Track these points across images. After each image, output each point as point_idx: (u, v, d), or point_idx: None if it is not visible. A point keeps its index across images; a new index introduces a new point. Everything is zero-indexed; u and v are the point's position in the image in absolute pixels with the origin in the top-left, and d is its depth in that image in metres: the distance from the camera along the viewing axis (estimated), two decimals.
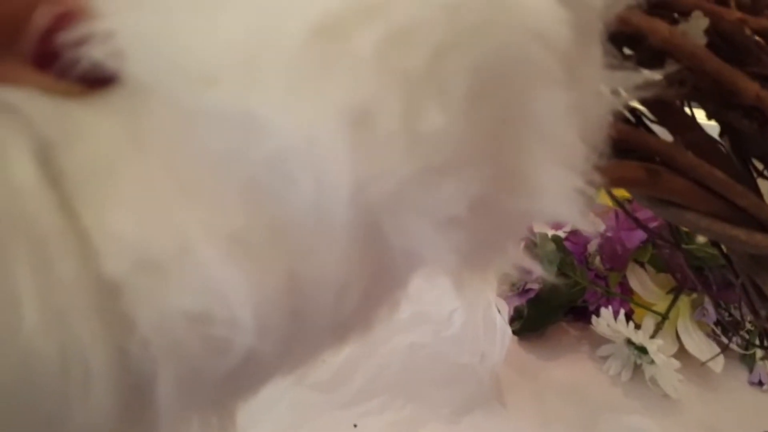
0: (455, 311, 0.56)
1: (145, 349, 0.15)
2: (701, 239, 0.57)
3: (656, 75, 0.19)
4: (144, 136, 0.15)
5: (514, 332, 0.62)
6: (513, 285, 0.65)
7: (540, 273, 0.19)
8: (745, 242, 0.22)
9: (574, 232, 0.62)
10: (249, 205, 0.15)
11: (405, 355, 0.56)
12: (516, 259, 0.19)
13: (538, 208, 0.17)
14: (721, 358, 0.55)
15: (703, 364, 0.54)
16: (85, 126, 0.15)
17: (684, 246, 0.57)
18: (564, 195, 0.17)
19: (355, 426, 0.53)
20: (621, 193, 0.65)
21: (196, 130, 0.15)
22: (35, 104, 0.15)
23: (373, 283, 0.17)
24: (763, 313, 0.26)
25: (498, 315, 0.55)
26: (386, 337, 0.57)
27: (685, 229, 0.56)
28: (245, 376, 0.17)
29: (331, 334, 0.18)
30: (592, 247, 0.60)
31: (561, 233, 0.62)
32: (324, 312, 0.17)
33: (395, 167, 0.14)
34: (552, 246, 0.58)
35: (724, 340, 0.57)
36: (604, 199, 0.64)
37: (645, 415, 0.53)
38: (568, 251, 0.60)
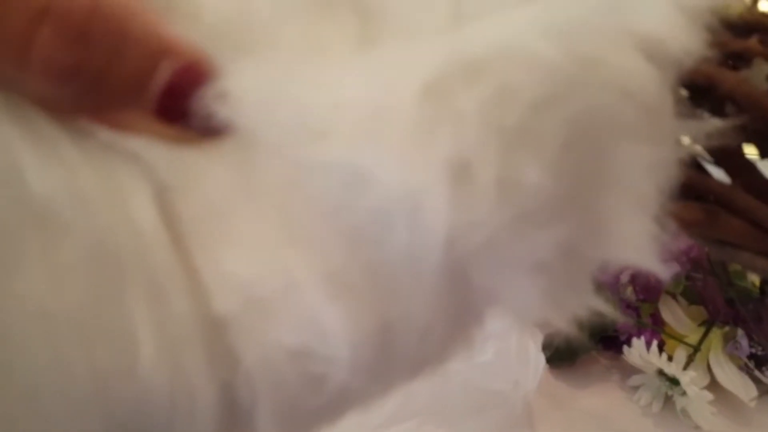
0: (488, 338, 0.57)
1: (247, 382, 0.16)
2: (735, 270, 0.57)
3: (723, 122, 0.20)
4: (255, 184, 0.16)
5: (546, 360, 0.62)
6: None
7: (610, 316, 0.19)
8: None
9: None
10: (349, 251, 0.16)
11: (437, 381, 0.56)
12: (590, 302, 0.20)
13: (616, 255, 0.18)
14: (753, 391, 0.56)
15: (748, 399, 0.54)
16: (200, 173, 0.16)
17: (718, 279, 0.57)
18: (641, 243, 0.17)
19: None
20: None
21: (305, 180, 0.16)
22: (155, 152, 0.16)
23: (453, 323, 0.18)
24: None
25: (531, 343, 0.55)
26: None
27: (718, 261, 0.57)
28: (335, 408, 0.18)
29: (410, 370, 0.19)
30: (624, 277, 0.61)
31: None
32: (408, 350, 0.17)
33: (489, 217, 0.15)
34: None
35: (757, 374, 0.57)
36: None
37: None
38: (600, 283, 0.60)
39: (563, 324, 0.18)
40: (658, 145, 0.17)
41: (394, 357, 0.17)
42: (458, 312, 0.18)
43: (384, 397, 0.20)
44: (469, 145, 0.15)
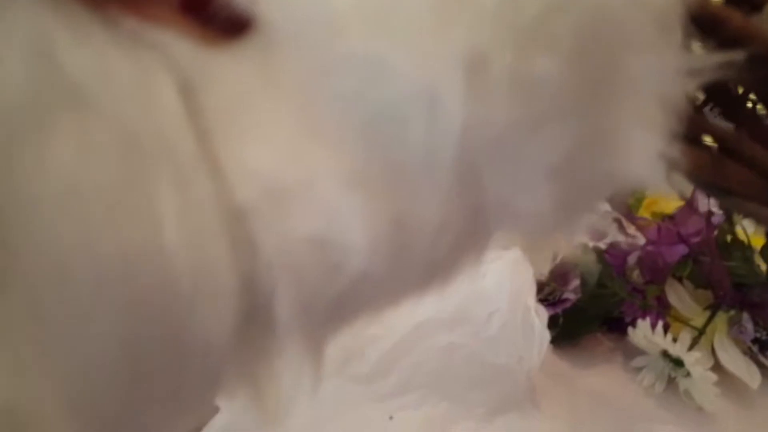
0: (494, 313, 0.57)
1: (267, 271, 0.17)
2: (741, 255, 0.58)
3: (727, 56, 0.21)
4: (277, 80, 0.17)
5: (549, 340, 0.63)
6: (550, 295, 0.65)
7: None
8: None
9: (613, 245, 0.63)
10: (368, 145, 0.17)
11: (443, 354, 0.57)
12: (594, 222, 0.20)
13: (624, 169, 0.18)
14: (757, 375, 0.56)
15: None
16: (222, 69, 0.17)
17: (725, 262, 0.57)
18: (648, 158, 0.18)
19: (390, 418, 0.54)
20: (662, 209, 0.66)
21: (325, 75, 0.17)
22: (180, 46, 0.17)
23: (465, 227, 0.19)
24: None
25: (537, 319, 0.56)
26: (425, 335, 0.58)
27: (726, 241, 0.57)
28: (351, 301, 0.18)
29: (422, 272, 0.19)
30: (632, 260, 0.61)
31: (602, 245, 0.62)
32: (421, 249, 0.18)
33: (502, 111, 0.16)
34: (592, 256, 0.59)
35: (761, 358, 0.58)
36: (646, 213, 0.65)
37: (678, 426, 0.53)
38: (607, 263, 0.60)
39: (568, 239, 0.19)
40: (668, 56, 0.17)
41: (408, 253, 0.18)
42: (470, 216, 0.18)
43: (396, 304, 0.20)
44: (485, 39, 0.15)
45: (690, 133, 0.25)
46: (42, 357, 0.15)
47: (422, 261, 0.18)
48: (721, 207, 0.26)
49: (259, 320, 0.17)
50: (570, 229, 0.20)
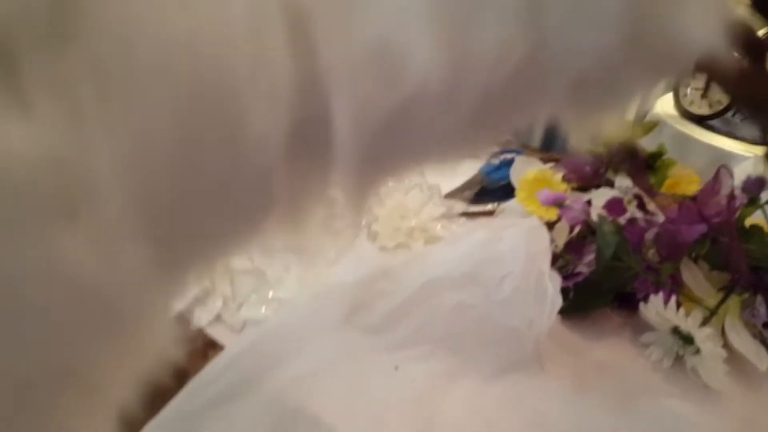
0: (507, 276, 0.57)
1: (326, 74, 0.16)
2: (760, 239, 0.57)
3: None
4: None
5: (560, 311, 0.63)
6: (563, 268, 0.65)
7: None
8: None
9: (632, 221, 0.63)
10: None
11: (452, 312, 0.57)
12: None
13: (687, 27, 0.18)
14: (766, 358, 0.56)
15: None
16: None
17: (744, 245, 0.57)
18: (711, 24, 0.18)
19: (396, 369, 0.54)
20: (683, 190, 0.66)
21: None
22: None
23: (525, 63, 0.18)
24: None
25: (550, 285, 0.56)
26: (435, 293, 0.58)
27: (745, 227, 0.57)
28: (404, 123, 0.18)
29: (475, 110, 0.19)
30: (649, 236, 0.61)
31: (621, 220, 0.62)
32: (479, 74, 0.18)
33: None
34: (611, 227, 0.59)
35: None
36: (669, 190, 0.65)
37: (684, 400, 0.53)
38: (624, 237, 0.60)
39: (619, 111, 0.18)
40: None
41: (465, 75, 0.17)
42: (531, 52, 0.18)
43: (445, 147, 0.20)
44: None
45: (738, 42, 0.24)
46: (101, 116, 0.15)
47: (478, 91, 0.18)
48: (762, 131, 0.25)
49: (315, 135, 0.17)
50: (624, 96, 0.20)
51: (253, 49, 0.16)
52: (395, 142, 0.19)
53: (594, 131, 0.21)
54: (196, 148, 0.16)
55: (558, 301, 0.55)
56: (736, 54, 0.23)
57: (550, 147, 1.23)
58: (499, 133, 0.20)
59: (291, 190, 0.18)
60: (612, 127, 0.22)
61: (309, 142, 0.17)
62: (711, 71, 0.21)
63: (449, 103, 0.18)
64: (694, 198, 0.60)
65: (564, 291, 0.63)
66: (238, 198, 0.17)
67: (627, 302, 0.63)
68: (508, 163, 0.85)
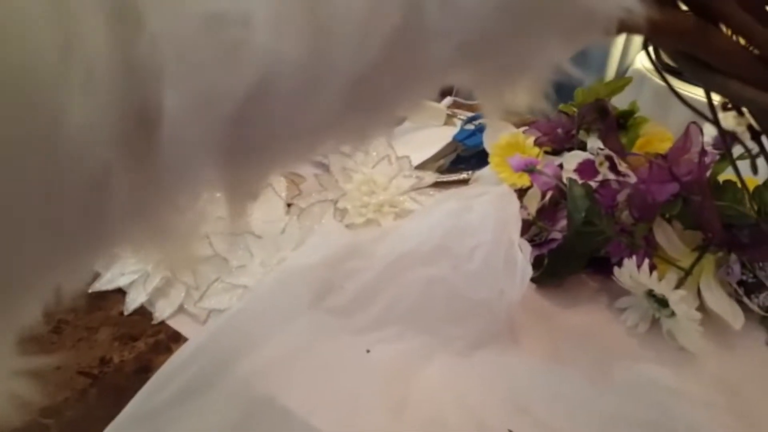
0: (477, 247, 0.56)
1: (153, 50, 0.14)
2: (733, 196, 0.56)
3: None
4: None
5: (534, 279, 0.62)
6: (537, 235, 0.64)
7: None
8: None
9: (604, 184, 0.61)
10: None
11: (423, 287, 0.56)
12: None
13: None
14: (741, 317, 0.55)
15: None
16: None
17: (716, 202, 0.56)
18: None
19: (367, 351, 0.53)
20: (655, 149, 0.64)
21: None
22: None
23: (400, 31, 0.16)
24: None
25: (520, 254, 0.54)
26: (405, 268, 0.57)
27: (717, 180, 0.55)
28: (260, 114, 0.15)
29: (348, 87, 0.16)
30: (621, 197, 0.59)
31: (592, 183, 0.61)
32: (346, 51, 0.15)
33: None
34: (581, 191, 0.57)
35: (746, 300, 0.57)
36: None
37: (660, 364, 0.52)
38: (596, 200, 0.59)
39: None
40: None
41: (329, 54, 0.15)
42: (406, 14, 0.16)
43: (319, 134, 0.17)
44: None
45: None
46: None
47: (347, 68, 0.16)
48: (705, 87, 0.23)
49: (148, 127, 0.14)
50: (535, 62, 0.18)
51: (61, 27, 0.13)
52: (259, 132, 0.16)
53: (506, 100, 0.19)
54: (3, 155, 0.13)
55: (528, 270, 0.54)
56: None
57: (533, 111, 1.20)
58: (384, 115, 0.18)
59: (143, 190, 0.15)
60: (525, 94, 0.20)
61: (152, 134, 0.15)
62: (639, 29, 0.19)
63: (314, 85, 0.16)
64: (665, 156, 0.58)
65: (538, 258, 0.62)
66: (69, 204, 0.15)
67: (602, 267, 0.62)
68: (483, 129, 0.83)
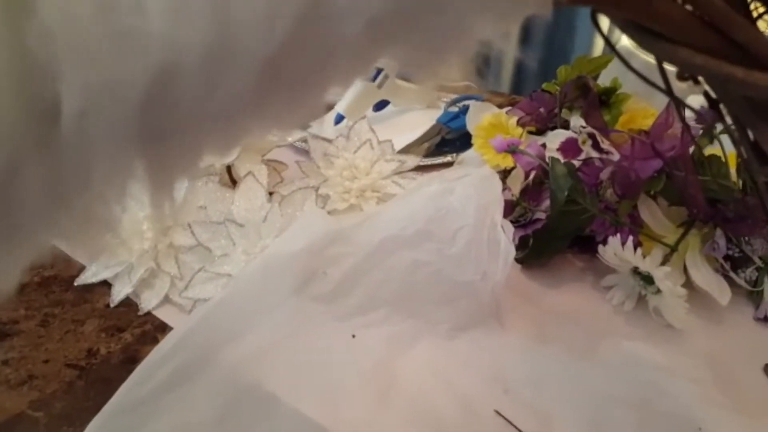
0: (460, 230, 0.56)
1: (45, 39, 0.13)
2: (717, 171, 0.56)
3: None
4: None
5: (519, 260, 0.61)
6: (521, 216, 0.64)
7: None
8: (741, 81, 0.20)
9: (587, 162, 0.61)
10: None
11: (407, 272, 0.56)
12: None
13: None
14: (728, 292, 0.55)
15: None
16: None
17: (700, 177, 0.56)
18: None
19: (353, 336, 0.53)
20: (639, 125, 0.64)
21: None
22: None
23: (305, 12, 0.15)
24: (761, 178, 0.24)
25: (503, 235, 0.54)
26: (389, 252, 0.56)
27: (701, 156, 0.55)
28: (168, 101, 0.15)
29: (261, 81, 0.16)
30: (605, 175, 0.59)
31: (575, 162, 0.60)
32: (252, 36, 0.15)
33: None
34: (563, 170, 0.57)
35: (732, 275, 0.56)
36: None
37: (647, 342, 0.52)
38: (579, 179, 0.58)
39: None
40: None
41: (233, 40, 0.14)
42: (308, 16, 0.15)
43: (230, 125, 0.17)
44: None
45: None
46: None
47: (254, 47, 0.15)
48: (655, 56, 0.22)
49: (48, 119, 0.14)
50: (466, 36, 0.17)
51: None
52: (169, 119, 0.16)
53: (437, 74, 0.19)
54: None
55: (511, 251, 0.54)
56: None
57: (520, 92, 1.20)
58: (306, 98, 0.17)
59: (57, 182, 0.15)
60: (455, 69, 0.19)
61: (54, 127, 0.14)
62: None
63: (221, 69, 0.15)
64: (647, 133, 0.58)
65: (523, 239, 0.61)
66: None
67: (587, 246, 0.61)
68: (467, 111, 0.82)
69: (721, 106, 0.24)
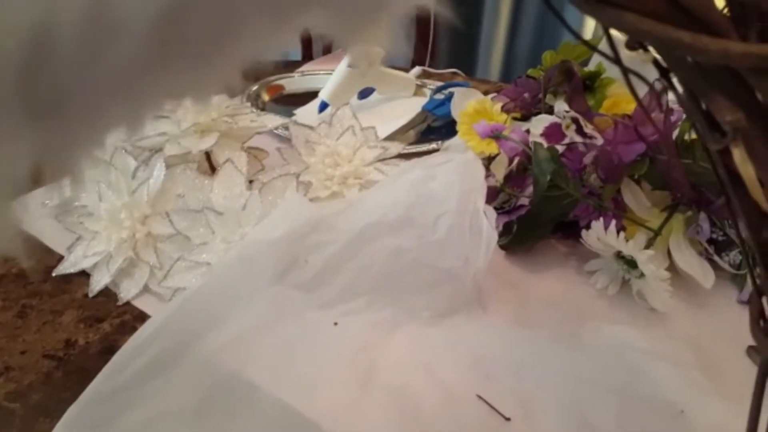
0: (442, 216, 0.55)
1: None
2: (701, 154, 0.55)
3: None
4: None
5: (502, 246, 0.61)
6: (505, 202, 0.63)
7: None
8: (689, 46, 0.19)
9: (571, 147, 0.60)
10: None
11: (388, 258, 0.55)
12: None
13: None
14: (711, 275, 0.54)
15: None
16: None
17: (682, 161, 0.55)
18: None
19: (335, 324, 0.52)
20: (623, 110, 0.63)
21: None
22: None
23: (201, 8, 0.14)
24: (713, 147, 0.23)
25: (485, 221, 0.53)
26: (370, 239, 0.56)
27: (685, 139, 0.54)
28: (46, 72, 0.14)
29: (146, 48, 0.15)
30: (588, 160, 0.58)
31: (559, 147, 0.60)
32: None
33: None
34: (546, 154, 0.56)
35: (716, 258, 0.56)
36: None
37: (631, 326, 0.52)
38: (562, 163, 0.58)
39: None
40: None
41: (115, 12, 0.14)
42: None
43: (117, 78, 0.16)
44: None
45: None
46: None
47: (137, 6, 0.14)
48: (601, 22, 0.21)
49: None
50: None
51: None
52: (51, 90, 0.15)
53: (363, 39, 0.18)
54: None
55: (494, 237, 0.53)
56: None
57: (509, 80, 1.19)
58: (209, 65, 0.16)
59: None
60: (381, 39, 0.19)
61: None
62: None
63: (102, 38, 0.14)
64: (631, 116, 0.58)
65: (507, 225, 0.61)
66: None
67: (571, 231, 0.61)
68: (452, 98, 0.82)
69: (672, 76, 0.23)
